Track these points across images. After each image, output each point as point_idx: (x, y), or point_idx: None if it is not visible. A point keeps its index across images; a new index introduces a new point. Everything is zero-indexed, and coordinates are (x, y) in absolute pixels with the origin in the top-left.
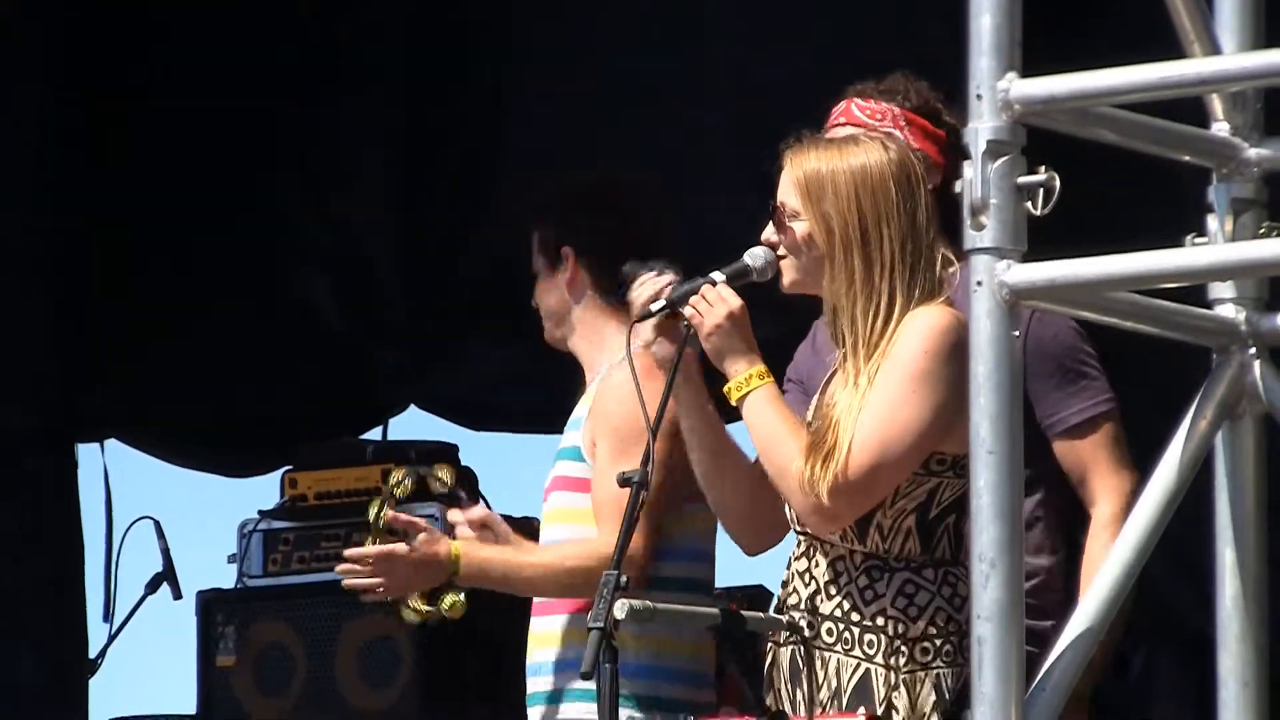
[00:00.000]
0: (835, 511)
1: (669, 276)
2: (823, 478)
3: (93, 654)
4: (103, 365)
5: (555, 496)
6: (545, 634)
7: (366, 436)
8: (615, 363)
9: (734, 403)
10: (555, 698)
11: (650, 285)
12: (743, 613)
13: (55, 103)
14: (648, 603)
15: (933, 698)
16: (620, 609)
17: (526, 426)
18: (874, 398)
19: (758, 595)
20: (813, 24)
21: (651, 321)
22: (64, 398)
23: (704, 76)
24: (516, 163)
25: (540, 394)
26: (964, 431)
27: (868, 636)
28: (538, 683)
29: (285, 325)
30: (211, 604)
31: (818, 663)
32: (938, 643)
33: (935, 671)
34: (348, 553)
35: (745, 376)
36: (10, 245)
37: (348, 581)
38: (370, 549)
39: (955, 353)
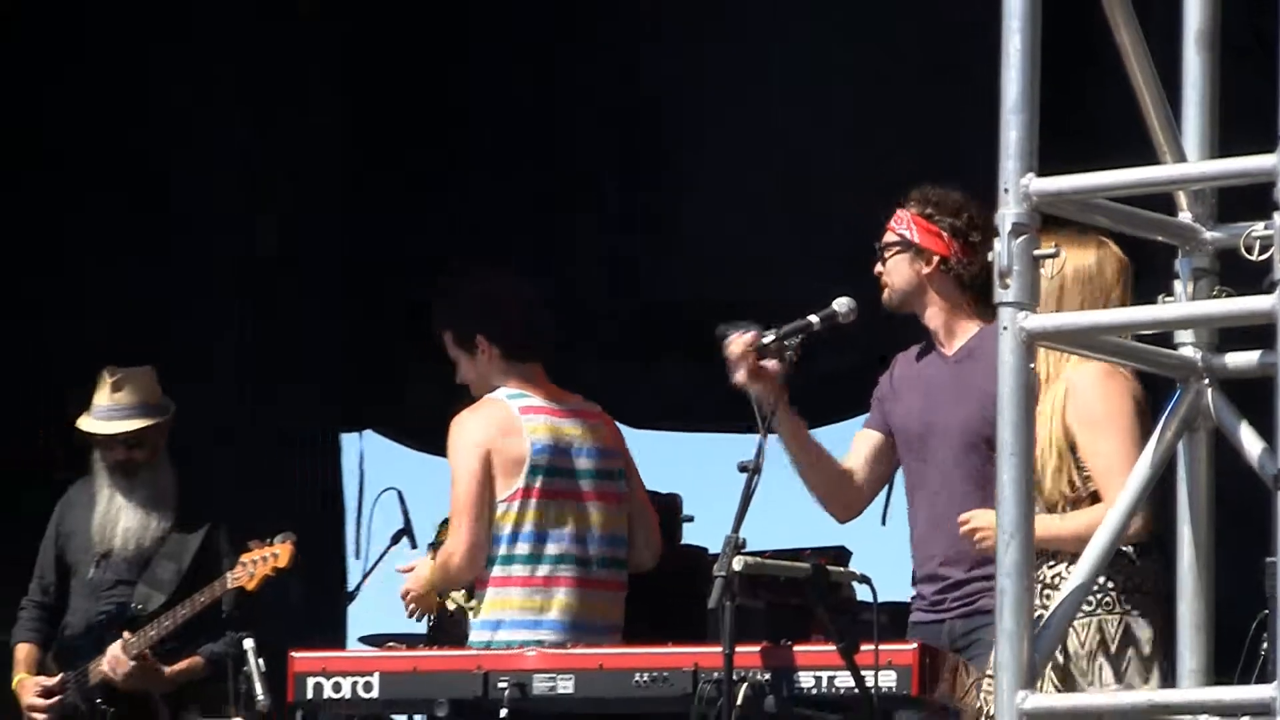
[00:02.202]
0: None
1: (753, 331)
2: None
3: (350, 588)
4: (367, 377)
5: None
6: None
7: None
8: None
9: None
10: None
11: (739, 341)
12: (827, 567)
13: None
14: (758, 559)
15: None
16: (738, 563)
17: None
18: None
19: (839, 553)
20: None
21: (743, 366)
22: (336, 399)
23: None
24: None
25: None
26: None
27: None
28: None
29: None
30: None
31: None
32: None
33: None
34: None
35: None
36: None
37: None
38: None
39: None
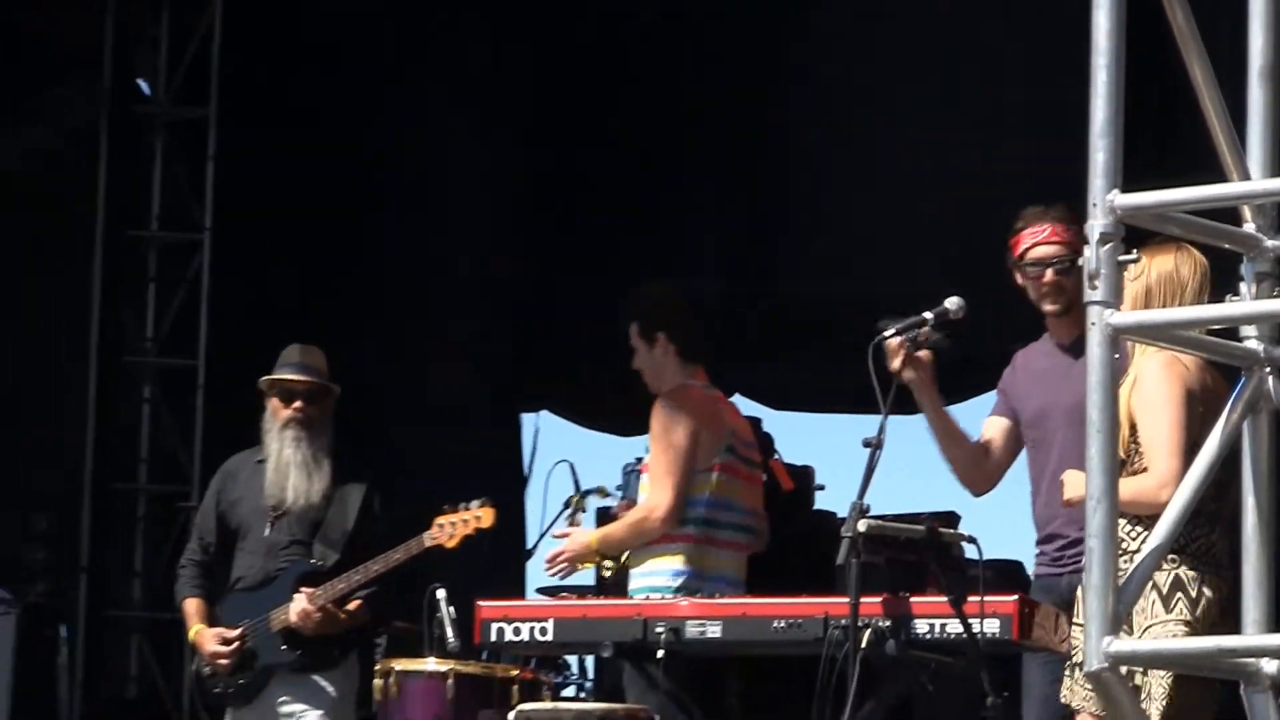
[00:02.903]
0: None
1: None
2: None
3: (528, 547)
4: (544, 365)
5: None
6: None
7: None
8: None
9: None
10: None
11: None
12: (939, 529)
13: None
14: (879, 522)
15: None
16: (862, 525)
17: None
18: None
19: (949, 517)
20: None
21: (899, 357)
22: (516, 382)
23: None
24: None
25: None
26: None
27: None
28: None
29: None
30: (602, 518)
31: None
32: None
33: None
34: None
35: None
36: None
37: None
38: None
39: None
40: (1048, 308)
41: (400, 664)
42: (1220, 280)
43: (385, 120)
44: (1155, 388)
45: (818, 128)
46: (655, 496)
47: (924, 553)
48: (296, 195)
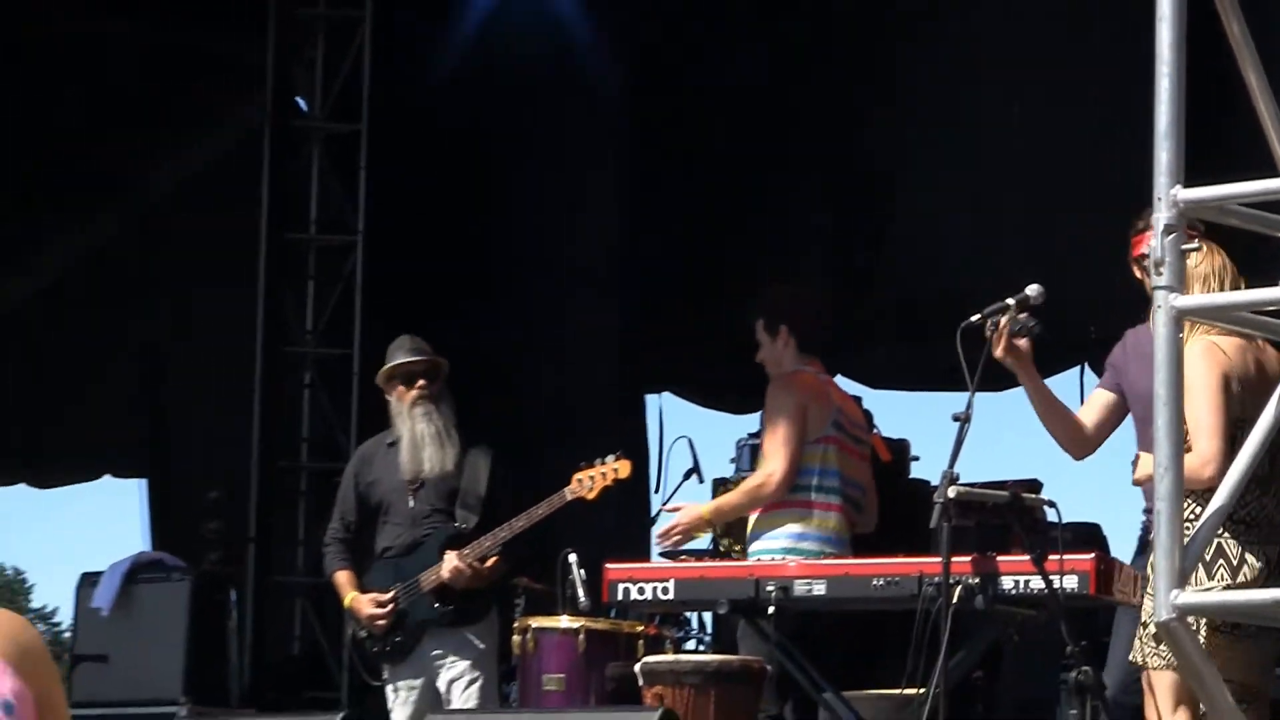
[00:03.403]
0: None
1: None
2: None
3: (651, 514)
4: (665, 350)
5: None
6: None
7: None
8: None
9: None
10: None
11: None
12: (1023, 494)
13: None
14: (968, 489)
15: None
16: (952, 492)
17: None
18: None
19: (1032, 484)
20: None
21: (1000, 343)
22: (641, 366)
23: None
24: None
25: None
26: None
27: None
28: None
29: None
30: (718, 488)
31: None
32: None
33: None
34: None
35: None
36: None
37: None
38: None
39: None
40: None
41: (536, 621)
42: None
43: (516, 130)
44: (1194, 374)
45: (911, 136)
46: (771, 464)
47: (1009, 516)
48: (438, 201)
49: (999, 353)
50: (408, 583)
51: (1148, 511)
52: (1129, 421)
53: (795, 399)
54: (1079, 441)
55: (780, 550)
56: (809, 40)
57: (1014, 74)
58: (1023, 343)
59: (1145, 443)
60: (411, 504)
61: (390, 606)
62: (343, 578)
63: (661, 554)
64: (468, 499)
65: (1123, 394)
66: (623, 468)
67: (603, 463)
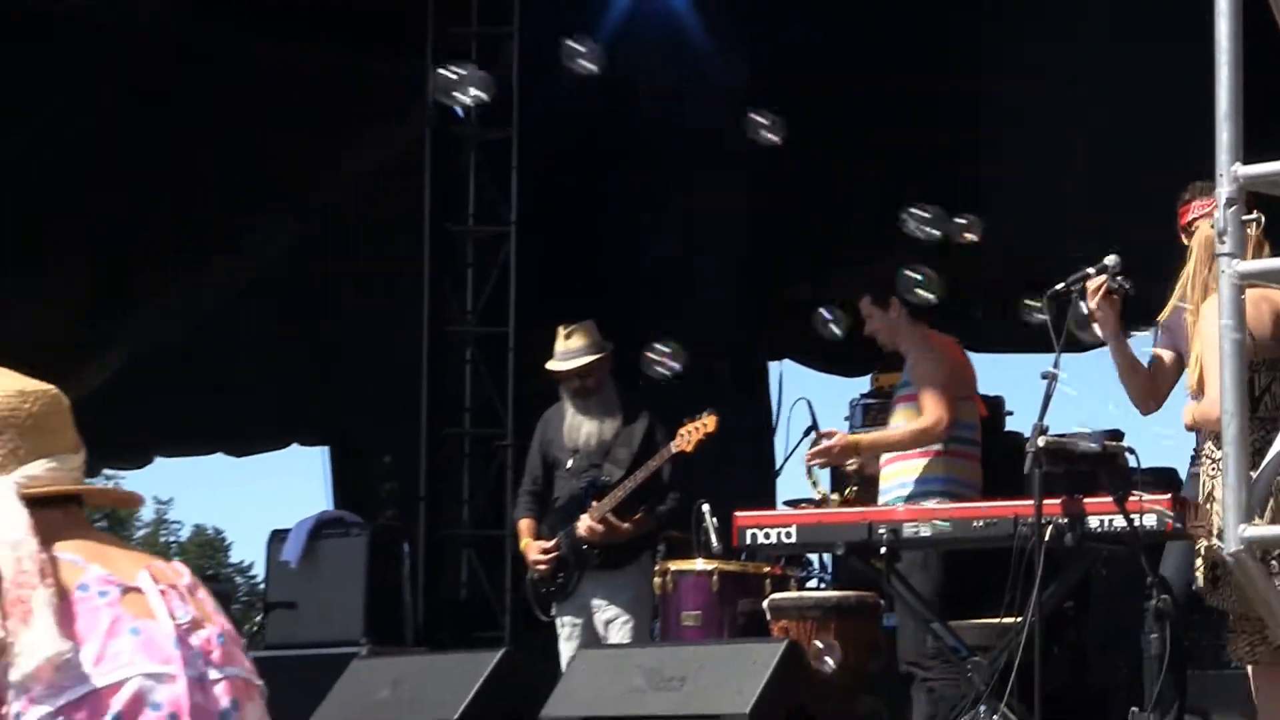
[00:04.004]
0: None
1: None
2: None
3: (775, 468)
4: (786, 324)
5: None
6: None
7: None
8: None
9: None
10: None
11: (1091, 284)
12: (1106, 442)
13: None
14: (1057, 438)
15: None
16: (1043, 441)
17: None
18: None
19: (1114, 433)
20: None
21: (1096, 294)
22: (764, 338)
23: None
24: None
25: None
26: None
27: None
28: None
29: None
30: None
31: None
32: None
33: None
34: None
35: None
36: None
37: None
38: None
39: None
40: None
41: (674, 564)
42: None
43: (648, 126)
44: (1209, 328)
45: (1004, 122)
46: (938, 412)
47: (1094, 463)
48: (581, 196)
49: (1093, 304)
50: (567, 531)
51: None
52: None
53: (946, 358)
54: (1151, 396)
55: (929, 492)
56: (909, 27)
57: (1097, 50)
58: (1114, 300)
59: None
60: (572, 462)
61: (553, 554)
62: (523, 526)
63: (785, 503)
64: (618, 455)
65: (1178, 352)
66: (710, 422)
67: (697, 418)
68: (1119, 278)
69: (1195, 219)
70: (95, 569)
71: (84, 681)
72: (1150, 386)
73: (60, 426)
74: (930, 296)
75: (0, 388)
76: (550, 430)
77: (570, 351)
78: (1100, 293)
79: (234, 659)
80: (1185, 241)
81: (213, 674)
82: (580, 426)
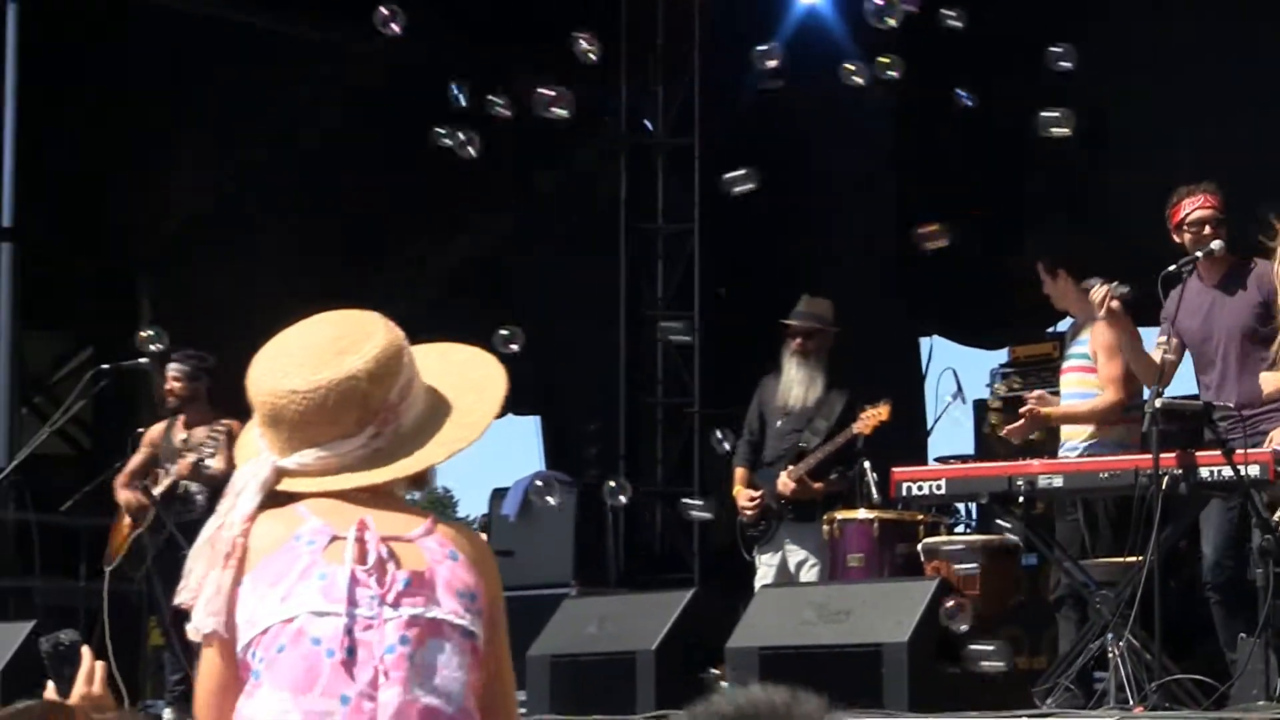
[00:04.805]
0: None
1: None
2: None
3: (927, 428)
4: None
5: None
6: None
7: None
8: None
9: None
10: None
11: (1099, 290)
12: (1213, 404)
13: None
14: (1170, 401)
15: None
16: (1158, 403)
17: None
18: None
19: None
20: None
21: (1103, 304)
22: (915, 316)
23: None
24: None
25: None
26: None
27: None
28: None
29: None
30: (978, 408)
31: None
32: None
33: None
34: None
35: None
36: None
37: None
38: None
39: None
40: (1202, 254)
41: (840, 514)
42: None
43: (813, 128)
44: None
45: (1121, 133)
46: (1119, 394)
47: (1203, 421)
48: (755, 196)
49: (1101, 314)
50: (770, 484)
51: None
52: None
53: (1112, 333)
54: (1155, 375)
55: (1107, 447)
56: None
57: (1216, 77)
58: (1115, 304)
59: (1200, 369)
60: (779, 423)
61: (758, 502)
62: (738, 474)
63: (936, 459)
64: (817, 424)
65: (1181, 339)
66: (884, 410)
67: (874, 407)
68: (1115, 283)
69: (1189, 213)
70: (315, 521)
71: (270, 615)
72: (1154, 368)
73: (333, 419)
74: (1065, 131)
75: (273, 385)
76: (766, 393)
77: (807, 314)
78: (1105, 302)
79: (423, 601)
80: (1177, 240)
81: (387, 613)
82: (791, 388)
